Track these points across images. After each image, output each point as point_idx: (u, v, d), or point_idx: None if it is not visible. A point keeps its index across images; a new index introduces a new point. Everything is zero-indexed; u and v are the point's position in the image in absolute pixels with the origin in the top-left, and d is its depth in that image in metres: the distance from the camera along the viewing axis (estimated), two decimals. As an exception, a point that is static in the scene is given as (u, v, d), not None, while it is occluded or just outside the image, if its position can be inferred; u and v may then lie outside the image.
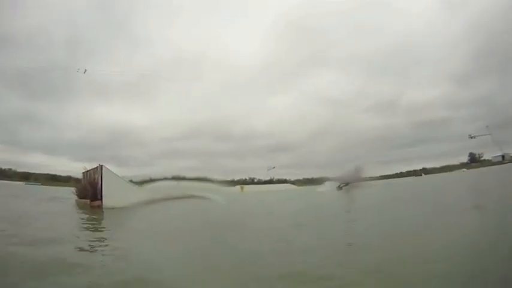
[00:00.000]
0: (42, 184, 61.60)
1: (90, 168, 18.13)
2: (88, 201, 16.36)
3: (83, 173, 19.51)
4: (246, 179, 60.03)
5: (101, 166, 15.82)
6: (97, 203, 15.76)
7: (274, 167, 62.22)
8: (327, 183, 33.79)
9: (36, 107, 76.55)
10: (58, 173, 60.19)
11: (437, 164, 66.52)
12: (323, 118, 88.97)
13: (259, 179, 62.61)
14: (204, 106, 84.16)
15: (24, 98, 75.56)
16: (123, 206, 15.86)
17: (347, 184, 30.21)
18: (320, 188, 33.57)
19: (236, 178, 61.44)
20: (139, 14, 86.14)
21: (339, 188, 30.93)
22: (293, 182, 68.60)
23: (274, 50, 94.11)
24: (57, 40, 79.56)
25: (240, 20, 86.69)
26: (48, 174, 60.11)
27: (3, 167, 65.99)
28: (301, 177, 67.45)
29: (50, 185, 57.19)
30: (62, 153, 73.30)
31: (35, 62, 64.31)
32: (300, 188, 50.92)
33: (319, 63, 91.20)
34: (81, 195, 18.02)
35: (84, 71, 50.85)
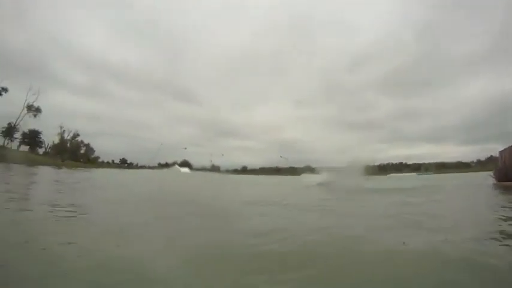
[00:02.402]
0: (434, 172, 66.97)
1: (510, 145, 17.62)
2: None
3: (500, 152, 19.16)
4: None
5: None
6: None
7: None
8: None
9: (414, 103, 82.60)
10: (447, 160, 63.69)
11: None
12: None
13: None
14: None
15: (403, 96, 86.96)
16: None
17: None
18: None
19: None
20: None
21: None
22: None
23: None
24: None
25: None
26: (437, 163, 65.49)
27: (394, 162, 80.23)
28: None
29: (441, 173, 61.34)
30: (447, 139, 74.75)
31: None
32: None
33: None
34: (501, 177, 17.68)
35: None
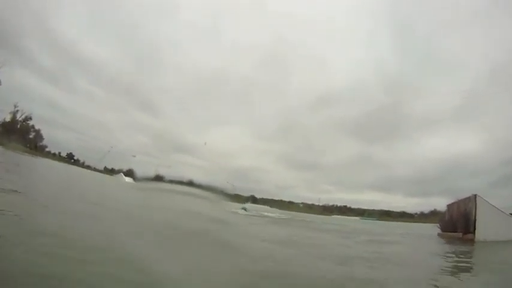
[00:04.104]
0: (377, 219, 72.86)
1: (457, 199, 19.17)
2: (458, 234, 17.90)
3: (448, 205, 21.25)
4: None
5: (475, 196, 16.44)
6: (470, 236, 16.75)
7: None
8: None
9: (371, 150, 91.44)
10: (392, 209, 70.48)
11: None
12: None
13: None
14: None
15: (361, 143, 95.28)
16: (496, 240, 15.77)
17: None
18: None
19: None
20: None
21: None
22: None
23: None
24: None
25: None
26: (381, 210, 71.86)
27: (339, 204, 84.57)
28: None
29: (384, 220, 67.34)
30: (396, 190, 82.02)
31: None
32: None
33: None
34: (446, 228, 20.03)
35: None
